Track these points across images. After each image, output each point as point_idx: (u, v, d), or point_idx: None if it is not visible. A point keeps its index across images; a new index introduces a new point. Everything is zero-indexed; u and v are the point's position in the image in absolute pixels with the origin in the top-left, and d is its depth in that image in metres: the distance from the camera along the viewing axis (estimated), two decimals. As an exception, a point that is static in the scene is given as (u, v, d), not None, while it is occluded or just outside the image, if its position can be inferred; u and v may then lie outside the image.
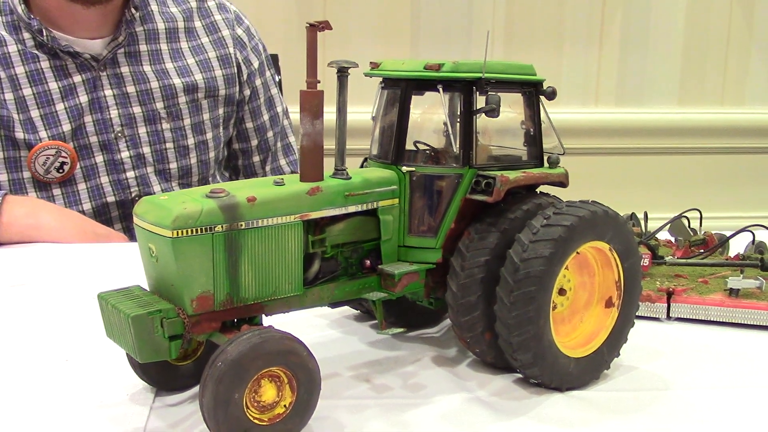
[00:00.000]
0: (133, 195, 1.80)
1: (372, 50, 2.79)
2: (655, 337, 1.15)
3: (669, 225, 1.48)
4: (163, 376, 0.93)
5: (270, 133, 2.08)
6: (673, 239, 1.50)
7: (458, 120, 0.99)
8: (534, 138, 1.04)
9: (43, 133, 1.70)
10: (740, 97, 3.13)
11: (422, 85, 0.99)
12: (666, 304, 1.22)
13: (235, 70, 1.96)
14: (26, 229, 1.59)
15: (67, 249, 1.55)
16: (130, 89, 1.79)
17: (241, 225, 0.85)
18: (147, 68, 1.82)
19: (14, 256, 1.52)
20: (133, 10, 1.77)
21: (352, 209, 0.95)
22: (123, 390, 0.93)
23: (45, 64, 1.71)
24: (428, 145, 1.05)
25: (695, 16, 3.03)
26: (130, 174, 1.80)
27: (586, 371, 0.98)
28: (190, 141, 1.88)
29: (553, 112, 1.05)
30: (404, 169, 0.98)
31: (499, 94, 0.96)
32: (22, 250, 1.55)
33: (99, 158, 1.77)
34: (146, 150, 1.82)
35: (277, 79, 2.14)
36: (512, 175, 0.98)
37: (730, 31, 3.07)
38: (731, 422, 0.91)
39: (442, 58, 0.97)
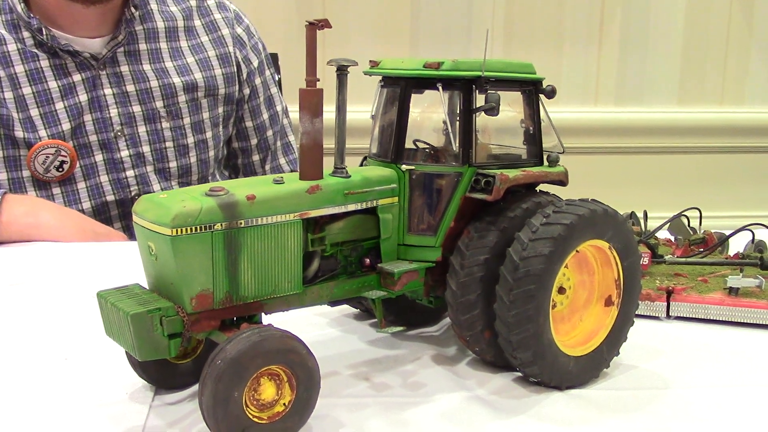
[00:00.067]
0: (132, 194, 1.80)
1: (371, 49, 2.79)
2: (655, 335, 1.15)
3: (668, 224, 1.48)
4: (162, 375, 0.93)
5: (269, 132, 2.07)
6: (672, 238, 1.50)
7: (458, 118, 0.99)
8: (533, 136, 1.04)
9: (42, 132, 1.70)
10: (740, 96, 3.13)
11: (422, 83, 0.98)
12: (666, 303, 1.22)
13: (235, 69, 1.96)
14: (26, 228, 1.59)
15: (67, 248, 1.55)
16: (130, 88, 1.79)
17: (241, 223, 0.85)
18: (146, 67, 1.81)
19: (14, 254, 1.52)
20: (132, 9, 1.77)
21: (351, 207, 0.95)
22: (122, 388, 0.93)
23: (44, 62, 1.71)
24: (428, 144, 1.05)
25: (695, 15, 3.03)
26: (130, 173, 1.80)
27: (586, 370, 0.98)
28: (190, 140, 1.88)
29: (552, 111, 1.05)
30: (404, 167, 0.98)
31: (498, 92, 0.96)
32: (22, 248, 1.55)
33: (98, 157, 1.77)
34: (146, 149, 1.82)
35: (276, 78, 2.14)
36: (512, 173, 0.97)
37: (730, 31, 3.07)
38: (731, 421, 0.91)
39: (441, 58, 0.97)
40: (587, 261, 1.00)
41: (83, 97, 1.74)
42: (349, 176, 0.95)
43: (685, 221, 1.49)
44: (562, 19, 2.95)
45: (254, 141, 2.06)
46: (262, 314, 0.91)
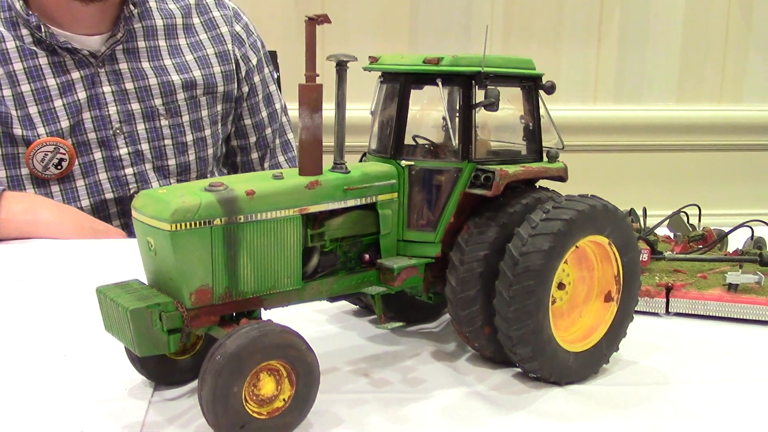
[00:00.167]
0: (131, 191, 1.80)
1: (370, 46, 2.76)
2: (654, 331, 1.15)
3: (668, 220, 1.48)
4: (161, 371, 0.93)
5: (268, 130, 2.07)
6: (672, 235, 1.50)
7: (457, 114, 0.99)
8: (533, 132, 1.04)
9: (41, 130, 1.70)
10: (738, 94, 3.13)
11: (421, 79, 0.98)
12: (665, 299, 1.22)
13: (234, 67, 1.96)
14: (24, 225, 1.59)
15: (66, 245, 1.55)
16: (129, 86, 1.79)
17: (240, 218, 0.85)
18: (145, 65, 1.81)
19: (13, 252, 1.52)
20: (131, 7, 1.77)
21: (351, 203, 0.94)
22: (121, 384, 0.93)
23: (43, 60, 1.70)
24: (427, 140, 1.05)
25: (694, 13, 3.03)
26: (129, 171, 1.80)
27: (585, 365, 0.98)
28: (189, 138, 1.88)
29: (551, 108, 1.05)
30: (403, 163, 0.98)
31: (498, 88, 0.96)
32: (21, 246, 1.55)
33: (97, 155, 1.77)
34: (145, 147, 1.82)
35: (275, 76, 2.14)
36: (511, 169, 0.97)
37: (729, 29, 3.07)
38: (730, 416, 0.91)
39: (441, 53, 0.97)
40: (587, 257, 1.00)
41: (82, 95, 1.73)
42: (349, 172, 0.95)
43: (685, 218, 1.49)
44: (562, 17, 2.95)
45: (253, 139, 2.06)
46: (262, 310, 0.91)
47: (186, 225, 0.81)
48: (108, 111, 1.76)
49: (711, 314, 1.21)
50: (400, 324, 1.00)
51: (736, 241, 1.45)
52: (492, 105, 0.96)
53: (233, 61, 1.95)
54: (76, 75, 1.73)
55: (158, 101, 1.82)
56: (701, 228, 1.49)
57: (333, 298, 1.02)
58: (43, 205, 1.65)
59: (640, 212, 1.53)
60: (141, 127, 1.81)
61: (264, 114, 2.06)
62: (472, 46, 2.86)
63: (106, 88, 1.76)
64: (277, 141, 2.11)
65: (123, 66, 1.78)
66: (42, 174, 1.71)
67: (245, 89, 2.00)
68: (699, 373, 1.02)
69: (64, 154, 1.71)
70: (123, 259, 1.16)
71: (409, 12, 2.88)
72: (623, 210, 1.02)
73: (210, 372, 0.76)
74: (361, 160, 1.06)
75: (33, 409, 0.89)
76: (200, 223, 0.82)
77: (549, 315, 0.94)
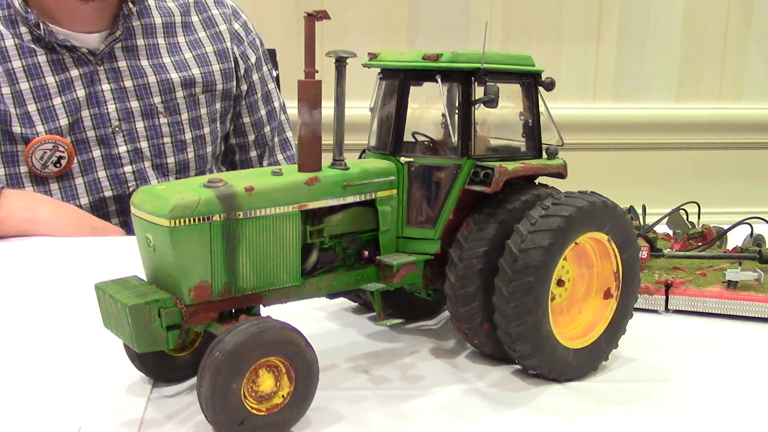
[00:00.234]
0: (130, 189, 1.80)
1: (370, 44, 2.77)
2: (654, 329, 1.15)
3: (667, 218, 1.48)
4: (160, 367, 0.92)
5: (267, 128, 2.07)
6: (671, 232, 1.50)
7: (457, 111, 0.99)
8: (532, 129, 1.04)
9: (40, 128, 1.70)
10: (737, 92, 3.13)
11: (420, 75, 0.98)
12: (664, 297, 1.22)
13: (233, 65, 1.95)
14: (23, 223, 1.59)
15: (64, 243, 1.55)
16: (128, 84, 1.79)
17: (239, 215, 0.85)
18: (144, 63, 1.81)
19: (11, 249, 1.51)
20: (130, 5, 1.77)
21: (350, 200, 0.94)
22: (120, 381, 0.93)
23: (42, 58, 1.70)
24: (427, 136, 1.05)
25: (693, 12, 3.03)
26: (128, 168, 1.80)
27: (585, 362, 0.98)
28: (188, 135, 1.88)
29: (550, 107, 1.05)
30: (402, 159, 0.98)
31: (497, 84, 0.96)
32: (20, 243, 1.55)
33: (96, 153, 1.77)
34: (144, 144, 1.81)
35: (274, 74, 2.14)
36: (511, 165, 0.97)
37: (728, 28, 3.07)
38: (729, 413, 0.91)
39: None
40: (586, 253, 1.00)
41: (81, 93, 1.73)
42: (348, 168, 0.94)
43: (684, 215, 1.49)
44: (561, 16, 2.95)
45: (252, 137, 2.06)
46: (261, 306, 0.91)
47: (185, 221, 0.81)
48: (107, 109, 1.76)
49: (710, 311, 1.21)
50: (400, 321, 1.00)
51: (736, 239, 1.45)
52: (491, 101, 0.95)
53: (232, 59, 1.95)
54: (75, 73, 1.73)
55: (157, 99, 1.82)
56: (700, 225, 1.49)
57: (332, 295, 1.01)
58: (42, 203, 1.65)
59: (639, 210, 1.53)
60: (140, 125, 1.80)
61: (263, 112, 2.06)
62: (472, 44, 2.86)
63: (105, 86, 1.76)
64: (276, 139, 2.10)
65: (122, 64, 1.78)
66: (41, 172, 1.71)
67: (244, 87, 2.00)
68: (698, 370, 1.02)
69: (63, 152, 1.71)
70: (122, 257, 1.16)
71: (409, 9, 2.88)
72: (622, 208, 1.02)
73: (209, 368, 0.76)
74: (360, 157, 1.05)
75: (32, 405, 0.88)
76: (199, 219, 0.82)
77: (548, 312, 0.94)
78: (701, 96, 3.10)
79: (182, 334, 0.84)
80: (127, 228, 1.77)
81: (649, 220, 1.49)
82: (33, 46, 1.70)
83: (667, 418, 0.89)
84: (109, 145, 1.77)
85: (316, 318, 1.16)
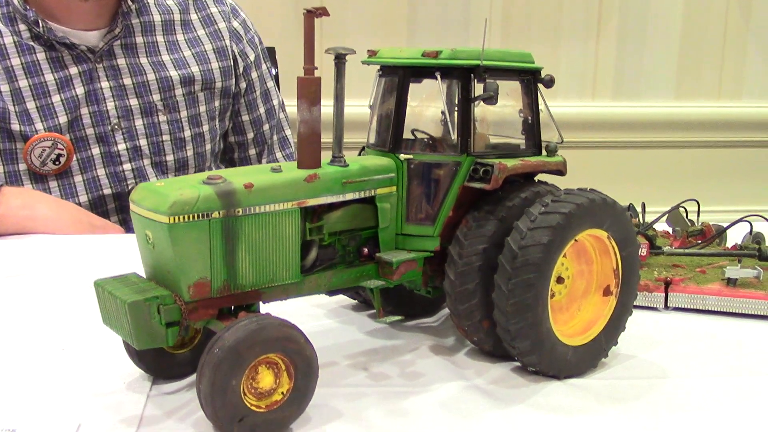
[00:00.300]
0: (129, 187, 1.80)
1: (369, 42, 2.77)
2: (653, 326, 1.15)
3: (667, 215, 1.48)
4: (159, 365, 0.92)
5: (266, 126, 2.07)
6: (670, 230, 1.50)
7: (456, 108, 0.99)
8: (532, 126, 1.04)
9: (39, 125, 1.69)
10: (737, 91, 3.13)
11: (420, 72, 0.98)
12: (664, 294, 1.22)
13: (231, 63, 1.95)
14: (22, 221, 1.59)
15: (63, 240, 1.55)
16: (127, 81, 1.79)
17: (239, 211, 0.85)
18: (143, 60, 1.81)
19: (10, 247, 1.51)
20: (129, 2, 1.77)
21: (349, 197, 0.94)
22: (119, 378, 0.93)
23: (41, 55, 1.70)
24: (426, 133, 1.05)
25: (692, 10, 3.03)
26: (127, 166, 1.80)
27: (584, 359, 0.98)
28: (187, 133, 1.87)
29: (550, 105, 1.05)
30: (402, 156, 0.98)
31: (497, 81, 0.96)
32: (19, 241, 1.55)
33: (95, 150, 1.77)
34: (143, 142, 1.81)
35: (273, 72, 2.13)
36: (510, 162, 0.97)
37: (727, 26, 3.07)
38: (728, 410, 0.91)
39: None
40: (586, 250, 1.00)
41: (80, 90, 1.73)
42: (347, 165, 0.94)
43: (684, 213, 1.49)
44: (560, 14, 2.95)
45: (251, 135, 2.05)
46: (260, 303, 0.91)
47: (184, 218, 0.81)
48: (106, 106, 1.76)
49: (710, 309, 1.21)
50: (399, 318, 1.00)
51: (735, 236, 1.45)
52: (491, 98, 0.95)
53: (231, 56, 1.95)
54: (74, 70, 1.72)
55: (156, 97, 1.82)
56: (700, 223, 1.49)
57: (331, 292, 1.01)
58: (41, 201, 1.65)
59: (638, 208, 1.53)
60: (139, 122, 1.80)
61: (262, 110, 2.05)
62: (471, 42, 2.86)
63: (104, 84, 1.76)
64: (275, 137, 2.10)
65: (121, 61, 1.78)
66: (40, 169, 1.71)
67: (243, 85, 2.00)
68: (697, 367, 1.02)
69: (62, 149, 1.70)
70: (121, 255, 1.15)
71: (408, 7, 2.87)
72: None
73: (208, 365, 0.76)
74: (359, 154, 1.05)
75: (31, 403, 0.88)
76: (198, 216, 0.82)
77: (548, 309, 0.94)
78: (701, 94, 3.10)
79: (181, 331, 0.84)
80: (126, 226, 1.77)
81: (649, 218, 1.49)
82: (32, 43, 1.70)
83: (667, 415, 0.89)
84: (108, 143, 1.77)
85: (316, 315, 1.15)
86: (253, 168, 0.95)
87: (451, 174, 0.97)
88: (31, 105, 1.69)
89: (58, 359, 1.00)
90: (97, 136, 1.76)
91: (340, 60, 0.91)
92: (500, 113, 1.04)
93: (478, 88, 0.96)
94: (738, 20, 3.07)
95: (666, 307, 1.22)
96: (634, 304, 1.02)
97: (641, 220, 1.50)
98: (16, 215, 1.59)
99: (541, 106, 1.04)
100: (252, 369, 0.78)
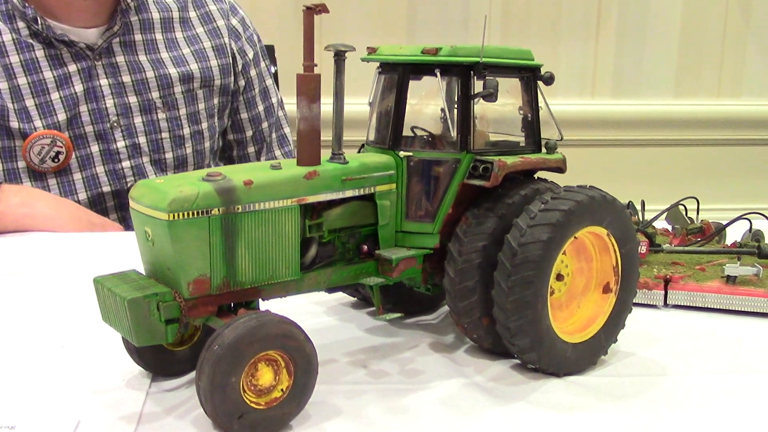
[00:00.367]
0: (128, 185, 1.80)
1: (369, 38, 2.77)
2: (653, 323, 1.15)
3: (666, 213, 1.48)
4: (159, 362, 0.92)
5: (265, 124, 2.07)
6: (670, 227, 1.50)
7: (456, 105, 0.98)
8: (531, 123, 1.03)
9: (38, 123, 1.69)
10: (736, 89, 3.13)
11: (420, 69, 0.98)
12: (663, 291, 1.22)
13: (230, 60, 1.95)
14: (21, 218, 1.59)
15: (63, 238, 1.55)
16: (126, 79, 1.78)
17: (238, 208, 0.84)
18: (142, 58, 1.81)
19: (9, 244, 1.51)
20: (128, 0, 1.76)
21: (349, 194, 0.94)
22: (119, 375, 0.93)
23: (40, 53, 1.70)
24: (426, 130, 1.04)
25: (692, 8, 3.03)
26: (126, 164, 1.80)
27: (584, 357, 0.98)
28: (186, 131, 1.87)
29: (549, 103, 1.05)
30: (401, 154, 0.98)
31: (496, 78, 0.95)
32: (18, 238, 1.55)
33: (94, 148, 1.76)
34: (142, 140, 1.81)
35: (272, 70, 2.13)
36: (510, 160, 0.97)
37: (727, 24, 3.07)
38: (727, 407, 0.91)
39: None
40: (585, 248, 1.00)
41: (79, 88, 1.73)
42: (347, 162, 0.94)
43: (683, 211, 1.49)
44: (560, 12, 2.95)
45: (249, 133, 2.05)
46: (260, 300, 0.91)
47: (184, 215, 0.81)
48: (105, 104, 1.76)
49: (709, 306, 1.21)
50: (399, 315, 1.00)
51: (735, 234, 1.45)
52: (490, 96, 0.95)
53: (230, 54, 1.95)
54: (72, 68, 1.72)
55: (155, 94, 1.81)
56: (699, 221, 1.49)
57: (331, 289, 1.01)
58: (40, 198, 1.65)
59: (638, 206, 1.53)
60: (138, 120, 1.80)
61: (260, 108, 2.05)
62: (471, 40, 2.85)
63: (103, 81, 1.76)
64: (274, 135, 2.10)
65: (120, 59, 1.78)
66: (39, 167, 1.71)
67: (242, 83, 2.00)
68: (697, 365, 1.02)
69: (61, 147, 1.70)
70: (120, 252, 1.15)
71: (408, 5, 2.87)
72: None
73: (208, 362, 0.76)
74: (359, 151, 1.05)
75: (31, 400, 0.88)
76: (198, 213, 0.82)
77: (547, 306, 0.94)
78: (700, 92, 3.10)
79: (181, 328, 0.84)
80: (126, 223, 1.77)
81: (648, 216, 1.49)
82: (31, 41, 1.69)
83: (666, 412, 0.89)
84: (107, 140, 1.77)
85: (315, 312, 1.15)
86: (252, 165, 0.95)
87: (451, 171, 0.97)
88: (30, 102, 1.69)
89: (57, 356, 1.00)
90: (96, 133, 1.76)
91: (339, 57, 0.91)
92: (500, 110, 1.04)
93: (478, 85, 0.96)
94: (737, 18, 3.07)
95: (665, 304, 1.22)
96: (634, 301, 1.02)
97: (641, 218, 1.50)
98: (15, 213, 1.59)
99: (541, 104, 1.04)
100: (251, 366, 0.78)
